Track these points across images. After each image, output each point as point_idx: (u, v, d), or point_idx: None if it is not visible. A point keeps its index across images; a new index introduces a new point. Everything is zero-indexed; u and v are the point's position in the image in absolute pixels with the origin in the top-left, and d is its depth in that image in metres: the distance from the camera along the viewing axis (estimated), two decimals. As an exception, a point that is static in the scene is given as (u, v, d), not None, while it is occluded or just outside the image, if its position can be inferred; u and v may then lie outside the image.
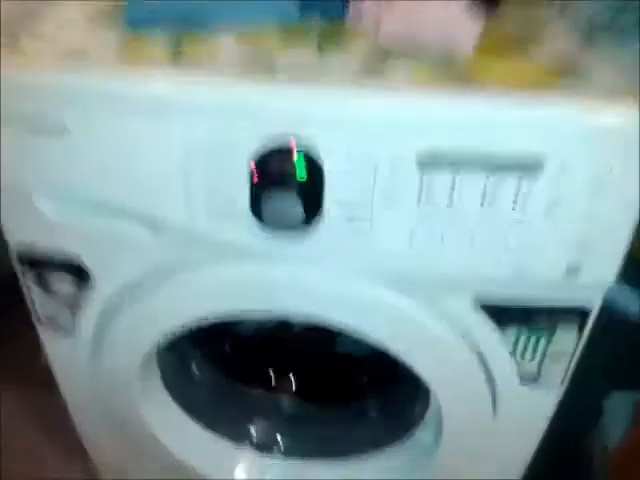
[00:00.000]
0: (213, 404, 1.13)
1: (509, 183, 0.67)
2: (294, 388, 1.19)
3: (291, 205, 0.70)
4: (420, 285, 0.79)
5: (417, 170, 0.67)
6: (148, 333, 0.90)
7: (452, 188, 0.68)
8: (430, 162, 0.67)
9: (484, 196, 0.68)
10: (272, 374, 1.20)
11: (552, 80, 0.65)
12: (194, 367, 1.13)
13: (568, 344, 0.84)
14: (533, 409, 0.94)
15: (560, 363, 0.87)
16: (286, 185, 0.70)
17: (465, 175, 0.67)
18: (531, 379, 0.89)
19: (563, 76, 0.65)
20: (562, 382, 0.90)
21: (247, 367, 1.17)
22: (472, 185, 0.68)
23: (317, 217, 0.72)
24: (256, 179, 0.70)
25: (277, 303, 0.84)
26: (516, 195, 0.68)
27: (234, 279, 0.81)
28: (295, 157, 0.68)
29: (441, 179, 0.68)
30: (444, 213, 0.70)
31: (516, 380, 0.89)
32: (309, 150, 0.68)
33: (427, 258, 0.74)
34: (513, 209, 0.69)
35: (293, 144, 0.68)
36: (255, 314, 0.92)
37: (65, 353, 0.97)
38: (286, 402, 1.19)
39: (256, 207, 0.71)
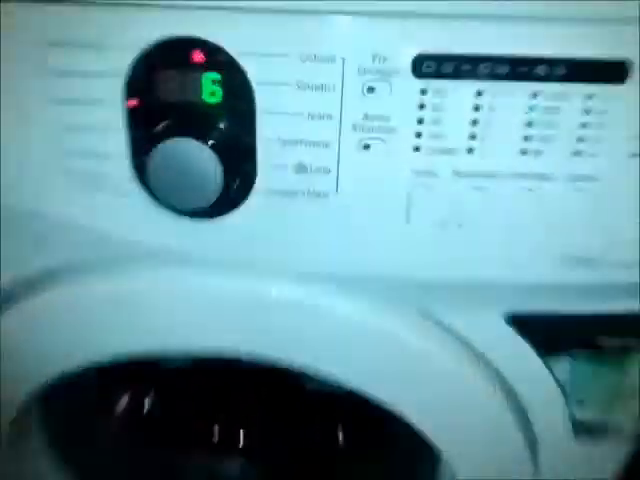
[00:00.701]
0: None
1: (570, 107, 0.39)
2: (245, 446, 0.87)
3: (199, 165, 0.40)
4: (420, 293, 0.49)
5: (414, 81, 0.38)
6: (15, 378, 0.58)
7: (473, 120, 0.40)
8: (436, 69, 0.38)
9: (526, 127, 0.40)
10: (212, 429, 0.87)
11: None
12: (99, 430, 0.80)
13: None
14: (591, 471, 0.63)
15: (633, 405, 0.57)
16: (189, 128, 0.40)
17: (495, 92, 0.38)
18: (591, 430, 0.59)
19: None
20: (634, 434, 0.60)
21: (177, 423, 0.84)
22: (505, 112, 0.39)
23: (246, 188, 0.43)
24: (135, 119, 0.40)
25: (192, 337, 0.53)
26: (583, 126, 0.40)
27: (116, 297, 0.51)
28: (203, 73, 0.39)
29: (457, 98, 0.39)
30: (462, 161, 0.41)
31: (568, 434, 0.58)
32: (227, 63, 0.38)
33: (435, 244, 0.45)
34: (576, 153, 0.40)
35: (198, 55, 0.38)
36: (167, 352, 0.61)
37: None
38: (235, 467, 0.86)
39: (140, 170, 0.41)
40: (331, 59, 0.38)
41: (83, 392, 0.74)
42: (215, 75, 0.39)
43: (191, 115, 0.40)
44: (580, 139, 0.40)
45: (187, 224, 0.44)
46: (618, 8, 0.37)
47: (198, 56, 0.39)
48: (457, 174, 0.42)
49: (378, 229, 0.45)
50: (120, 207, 0.44)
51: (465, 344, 0.54)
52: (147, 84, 0.40)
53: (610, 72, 0.38)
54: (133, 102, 0.40)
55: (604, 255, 0.46)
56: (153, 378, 0.82)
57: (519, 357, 0.54)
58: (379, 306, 0.50)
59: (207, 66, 0.39)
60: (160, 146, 0.39)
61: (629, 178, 0.42)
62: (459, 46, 0.38)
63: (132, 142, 0.42)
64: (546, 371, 0.55)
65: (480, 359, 0.54)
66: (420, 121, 0.40)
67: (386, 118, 0.40)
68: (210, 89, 0.39)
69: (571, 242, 0.45)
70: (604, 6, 0.37)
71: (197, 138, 0.39)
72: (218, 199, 0.41)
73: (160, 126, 0.40)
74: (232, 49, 0.38)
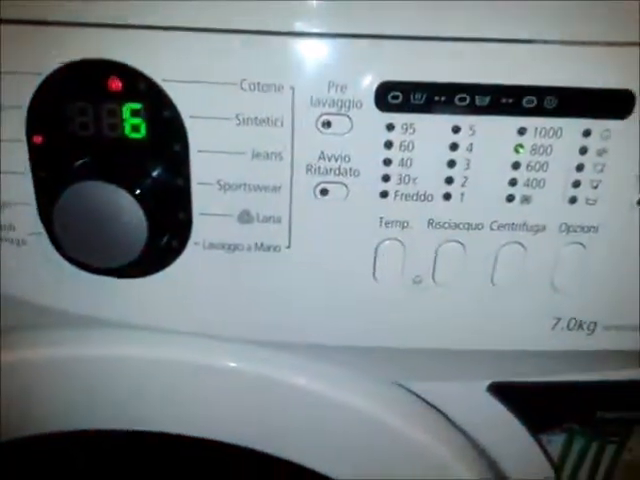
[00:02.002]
0: None
1: (563, 146, 0.33)
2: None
3: (118, 215, 0.33)
4: (390, 362, 0.42)
5: (379, 114, 0.32)
6: None
7: (450, 161, 0.33)
8: (404, 100, 0.32)
9: (512, 169, 0.33)
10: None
11: None
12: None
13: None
14: None
15: (636, 483, 0.50)
16: (106, 169, 0.33)
17: (475, 128, 0.32)
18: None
19: None
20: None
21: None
22: (487, 152, 0.33)
23: (179, 242, 0.35)
24: (41, 158, 0.33)
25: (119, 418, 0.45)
26: (579, 169, 0.34)
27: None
28: (123, 103, 0.32)
29: (430, 135, 0.32)
30: (438, 209, 0.35)
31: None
32: (150, 91, 0.32)
33: (406, 305, 0.38)
34: (571, 199, 0.34)
35: (115, 82, 0.32)
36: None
37: None
38: None
39: (48, 220, 0.34)
40: (278, 88, 0.32)
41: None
42: (137, 105, 0.32)
43: (109, 154, 0.33)
44: (575, 184, 0.34)
45: (109, 283, 0.37)
46: (620, 30, 0.31)
47: (115, 83, 0.32)
48: (432, 224, 0.35)
49: (340, 289, 0.37)
50: (24, 265, 0.36)
51: (445, 419, 0.46)
52: (54, 117, 0.33)
53: (610, 105, 0.32)
54: (38, 138, 0.33)
55: (604, 318, 0.39)
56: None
57: (506, 433, 0.47)
58: (342, 379, 0.42)
59: (127, 95, 0.32)
60: (70, 191, 0.32)
61: (632, 229, 0.36)
62: (431, 73, 0.32)
63: (38, 186, 0.34)
64: (537, 448, 0.48)
65: (463, 435, 0.47)
66: (387, 162, 0.33)
67: (346, 158, 0.33)
68: (132, 122, 0.32)
69: (565, 303, 0.38)
70: (604, 27, 0.31)
71: (116, 182, 0.32)
72: (143, 256, 0.33)
73: (71, 167, 0.33)
74: (156, 75, 0.31)
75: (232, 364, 0.41)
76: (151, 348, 0.40)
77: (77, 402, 0.44)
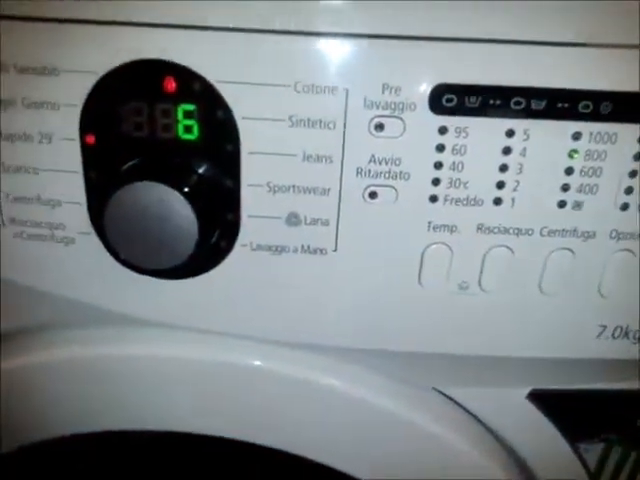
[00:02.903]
0: None
1: (618, 152, 0.32)
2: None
3: (170, 216, 0.33)
4: (433, 368, 0.42)
5: (432, 117, 0.32)
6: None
7: (502, 165, 0.33)
8: (458, 103, 0.31)
9: (566, 175, 0.33)
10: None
11: None
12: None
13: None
14: None
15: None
16: (159, 170, 0.33)
17: (529, 132, 0.32)
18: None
19: None
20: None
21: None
22: (541, 157, 0.33)
23: (227, 243, 0.35)
24: (93, 158, 0.33)
25: (164, 413, 0.45)
26: (632, 175, 0.33)
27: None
28: (177, 104, 0.32)
29: (483, 138, 0.32)
30: (488, 214, 0.34)
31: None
32: (205, 92, 0.32)
33: (452, 311, 0.38)
34: (623, 206, 0.34)
35: (170, 83, 0.32)
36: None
37: None
38: None
39: (98, 220, 0.34)
40: (332, 90, 0.32)
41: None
42: (190, 107, 0.32)
43: (162, 155, 0.33)
44: (628, 190, 0.34)
45: (156, 284, 0.37)
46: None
47: (170, 84, 0.32)
48: (481, 229, 0.35)
49: (385, 293, 0.37)
50: (74, 264, 0.36)
51: (483, 426, 0.46)
52: (108, 117, 0.33)
53: (668, 110, 0.32)
54: (91, 138, 0.33)
55: (651, 326, 0.39)
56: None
57: (543, 441, 0.46)
58: (384, 384, 0.42)
59: (181, 96, 0.32)
60: (122, 191, 0.32)
61: (684, 237, 0.35)
62: (487, 76, 0.31)
63: (89, 186, 0.34)
64: (574, 457, 0.47)
65: (500, 444, 0.46)
66: (438, 165, 0.33)
67: (397, 161, 0.33)
68: (185, 124, 0.32)
69: (611, 311, 0.38)
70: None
71: (168, 183, 0.32)
72: (192, 256, 0.33)
73: (123, 167, 0.33)
74: (211, 76, 0.31)
75: (271, 366, 0.41)
76: (181, 347, 0.40)
77: (102, 402, 0.44)
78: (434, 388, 0.45)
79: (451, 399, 0.45)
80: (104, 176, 0.34)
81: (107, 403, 0.43)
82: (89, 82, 0.32)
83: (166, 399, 0.44)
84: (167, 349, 0.42)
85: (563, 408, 0.45)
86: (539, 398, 0.44)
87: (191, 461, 0.59)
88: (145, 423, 0.45)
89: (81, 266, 0.37)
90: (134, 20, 0.31)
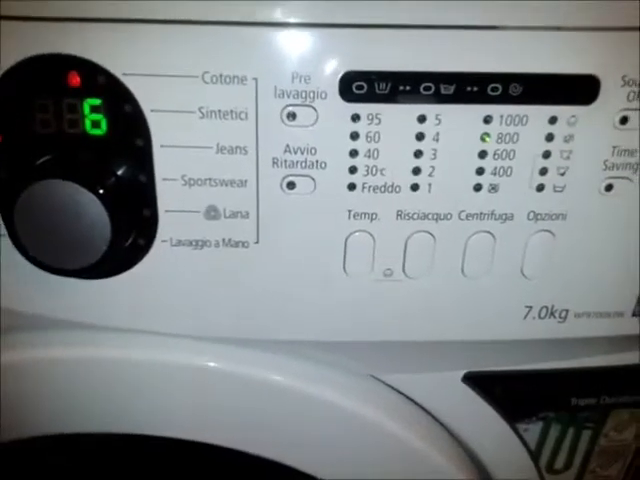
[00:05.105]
0: None
1: (529, 133, 0.32)
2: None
3: (80, 213, 0.32)
4: (364, 354, 0.42)
5: (344, 105, 0.31)
6: None
7: (416, 151, 0.33)
8: (369, 90, 0.31)
9: (479, 158, 0.33)
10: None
11: None
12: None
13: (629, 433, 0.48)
14: None
15: (615, 464, 0.51)
16: (66, 167, 0.32)
17: (441, 117, 0.32)
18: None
19: None
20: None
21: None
22: (454, 141, 0.33)
23: (145, 240, 0.35)
24: (-2, 157, 0.32)
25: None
26: (545, 156, 0.34)
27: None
28: (83, 99, 0.31)
29: (395, 125, 0.32)
30: (406, 200, 0.34)
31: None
32: (109, 86, 0.31)
33: (378, 298, 0.38)
34: (538, 187, 0.34)
35: (74, 77, 0.31)
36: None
37: None
38: None
39: (8, 220, 0.33)
40: (241, 79, 0.31)
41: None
42: (97, 101, 0.31)
43: (70, 151, 0.32)
44: (542, 171, 0.34)
45: (73, 284, 0.36)
46: (584, 15, 0.31)
47: (74, 78, 0.31)
48: (401, 215, 0.35)
49: (310, 283, 0.37)
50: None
51: (421, 410, 0.46)
52: (13, 114, 0.32)
53: (575, 90, 0.32)
54: (-5, 136, 0.32)
55: (575, 305, 0.39)
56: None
57: (483, 422, 0.47)
58: (316, 373, 0.42)
59: (86, 90, 0.31)
60: (30, 190, 0.31)
61: (599, 215, 0.36)
62: (396, 61, 0.31)
63: (-2, 185, 0.33)
64: (514, 437, 0.48)
65: (442, 428, 0.47)
66: (353, 153, 0.33)
67: (312, 150, 0.33)
68: (92, 118, 0.32)
69: (535, 291, 0.38)
70: (568, 12, 0.31)
71: (78, 180, 0.31)
72: (107, 256, 0.32)
73: (30, 166, 0.32)
74: (116, 68, 0.31)
75: (202, 362, 0.41)
76: (135, 350, 0.40)
77: (66, 405, 0.43)
78: (371, 375, 0.45)
79: (390, 386, 0.45)
80: (12, 175, 0.33)
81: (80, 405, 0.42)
82: (-10, 79, 0.31)
83: (128, 402, 0.43)
84: (127, 352, 0.41)
85: (499, 389, 0.46)
86: (475, 380, 0.45)
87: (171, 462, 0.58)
88: (120, 426, 0.44)
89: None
90: (34, 14, 0.30)
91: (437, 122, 0.32)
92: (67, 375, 0.41)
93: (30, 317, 0.38)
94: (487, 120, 0.32)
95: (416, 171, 0.34)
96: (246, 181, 0.34)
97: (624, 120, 0.33)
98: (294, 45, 0.31)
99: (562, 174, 0.34)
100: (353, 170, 0.34)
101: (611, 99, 0.32)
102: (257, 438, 0.45)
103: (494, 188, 0.34)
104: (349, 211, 0.35)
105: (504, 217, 0.35)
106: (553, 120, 0.33)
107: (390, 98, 0.32)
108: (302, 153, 0.33)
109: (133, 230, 0.34)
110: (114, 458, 0.57)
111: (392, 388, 0.45)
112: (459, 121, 0.32)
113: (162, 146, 0.33)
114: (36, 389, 0.42)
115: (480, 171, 0.34)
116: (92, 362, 0.41)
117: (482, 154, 0.33)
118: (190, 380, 0.42)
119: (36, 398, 0.43)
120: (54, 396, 0.42)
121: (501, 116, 0.32)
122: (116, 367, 0.41)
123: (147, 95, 0.31)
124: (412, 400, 0.46)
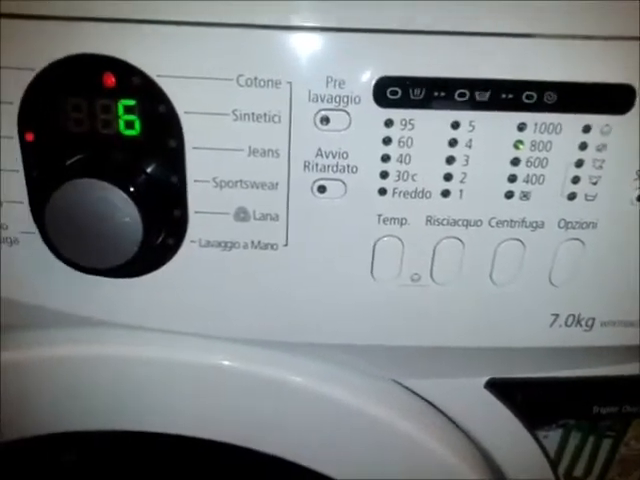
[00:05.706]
0: None
1: (563, 142, 0.32)
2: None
3: (112, 214, 0.32)
4: (389, 360, 0.42)
5: (377, 110, 0.31)
6: None
7: (449, 157, 0.33)
8: (403, 95, 0.31)
9: (512, 165, 0.33)
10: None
11: None
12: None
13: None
14: None
15: (635, 473, 0.50)
16: (100, 167, 0.32)
17: (474, 123, 0.32)
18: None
19: None
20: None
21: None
22: (487, 148, 0.33)
23: (175, 241, 0.35)
24: (32, 156, 0.32)
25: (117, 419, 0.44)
26: (578, 165, 0.33)
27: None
28: (117, 99, 0.31)
29: (428, 131, 0.32)
30: (437, 206, 0.34)
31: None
32: (145, 87, 0.31)
33: (405, 303, 0.38)
34: (570, 196, 0.34)
35: (109, 78, 0.31)
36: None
37: None
38: None
39: (40, 219, 0.33)
40: (275, 83, 0.31)
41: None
42: (131, 102, 0.31)
43: (102, 151, 0.33)
44: (575, 180, 0.34)
45: (103, 283, 0.36)
46: (619, 24, 0.31)
47: (109, 79, 0.31)
48: (430, 221, 0.35)
49: (337, 287, 0.37)
50: (16, 264, 0.36)
51: (442, 415, 0.46)
52: (47, 114, 0.32)
53: (610, 100, 0.32)
54: (30, 135, 0.32)
55: (601, 314, 0.39)
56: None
57: (503, 429, 0.47)
58: (339, 377, 0.42)
59: (121, 91, 0.31)
60: (62, 189, 0.31)
61: (630, 225, 0.36)
62: (431, 68, 0.31)
63: (30, 184, 0.34)
64: (534, 444, 0.48)
65: (460, 432, 0.47)
66: (385, 158, 0.33)
67: (344, 154, 0.33)
68: (126, 119, 0.32)
69: (563, 299, 0.38)
70: (603, 21, 0.31)
71: (110, 180, 0.31)
72: (137, 255, 0.33)
73: (65, 164, 0.32)
74: (151, 70, 0.31)
75: (227, 363, 0.41)
76: (148, 347, 0.40)
77: (71, 403, 0.43)
78: (393, 380, 0.45)
79: (411, 391, 0.45)
80: (45, 173, 0.33)
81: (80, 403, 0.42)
82: (26, 79, 0.31)
83: (140, 400, 0.43)
84: (139, 349, 0.41)
85: (521, 396, 0.46)
86: (497, 387, 0.45)
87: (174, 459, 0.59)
88: (130, 424, 0.45)
89: (26, 267, 0.36)
90: (71, 14, 0.31)
91: (471, 129, 0.32)
92: (76, 373, 0.42)
93: (49, 314, 0.38)
94: (521, 128, 0.32)
95: (448, 177, 0.33)
96: (277, 184, 0.34)
97: (659, 130, 0.33)
98: (329, 50, 0.31)
99: (594, 183, 0.34)
100: (384, 175, 0.34)
101: (646, 109, 0.32)
102: (270, 437, 0.45)
103: (525, 196, 0.34)
104: (379, 216, 0.35)
105: (535, 225, 0.35)
106: (587, 129, 0.33)
107: (424, 104, 0.32)
108: (334, 157, 0.33)
109: (163, 230, 0.34)
110: (123, 456, 0.58)
111: (412, 392, 0.45)
112: (493, 128, 0.32)
113: (194, 148, 0.33)
114: (43, 387, 0.42)
115: (512, 178, 0.34)
116: (101, 360, 0.41)
117: (515, 161, 0.33)
118: (203, 378, 0.42)
119: (44, 396, 0.43)
120: (64, 394, 0.43)
121: (535, 124, 0.32)
122: (127, 365, 0.41)
123: (181, 97, 0.32)
124: (431, 404, 0.46)
